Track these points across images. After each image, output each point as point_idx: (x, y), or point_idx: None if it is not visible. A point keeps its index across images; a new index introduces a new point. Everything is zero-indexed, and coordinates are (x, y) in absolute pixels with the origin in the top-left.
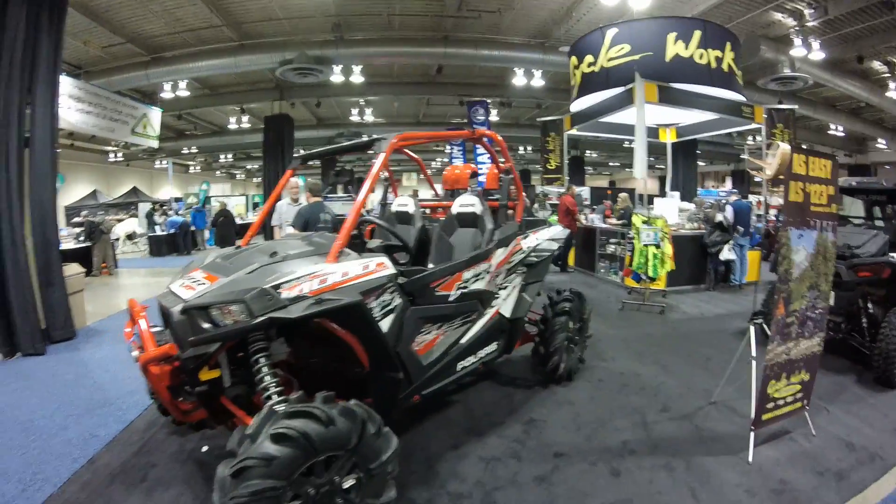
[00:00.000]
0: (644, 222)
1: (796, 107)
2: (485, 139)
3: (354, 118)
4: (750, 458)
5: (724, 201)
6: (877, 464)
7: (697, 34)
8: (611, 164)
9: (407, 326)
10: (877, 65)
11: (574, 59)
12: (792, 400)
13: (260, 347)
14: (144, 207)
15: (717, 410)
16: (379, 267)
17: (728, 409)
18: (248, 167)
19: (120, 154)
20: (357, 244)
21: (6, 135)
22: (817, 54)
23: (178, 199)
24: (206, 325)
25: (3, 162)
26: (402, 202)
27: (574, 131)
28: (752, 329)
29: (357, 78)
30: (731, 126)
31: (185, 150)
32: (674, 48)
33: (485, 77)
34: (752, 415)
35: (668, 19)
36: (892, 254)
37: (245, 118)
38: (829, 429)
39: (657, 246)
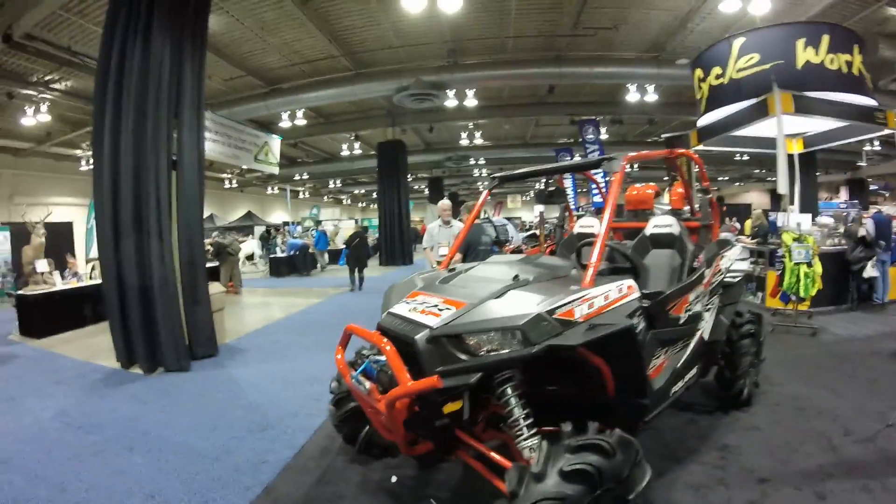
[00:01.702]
0: (795, 240)
1: None
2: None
3: (463, 142)
4: None
5: (862, 215)
6: None
7: (826, 38)
8: (719, 178)
9: (648, 350)
10: None
11: (699, 72)
12: None
13: (508, 377)
14: (258, 230)
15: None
16: (630, 290)
17: None
18: (356, 192)
19: (235, 181)
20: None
21: (156, 155)
22: None
23: (288, 223)
24: (461, 355)
25: (154, 181)
26: (587, 223)
27: (701, 147)
28: None
29: (470, 102)
30: (862, 133)
31: (297, 177)
32: (804, 55)
33: (595, 95)
34: None
35: (794, 25)
36: None
37: (356, 145)
38: None
39: (809, 264)
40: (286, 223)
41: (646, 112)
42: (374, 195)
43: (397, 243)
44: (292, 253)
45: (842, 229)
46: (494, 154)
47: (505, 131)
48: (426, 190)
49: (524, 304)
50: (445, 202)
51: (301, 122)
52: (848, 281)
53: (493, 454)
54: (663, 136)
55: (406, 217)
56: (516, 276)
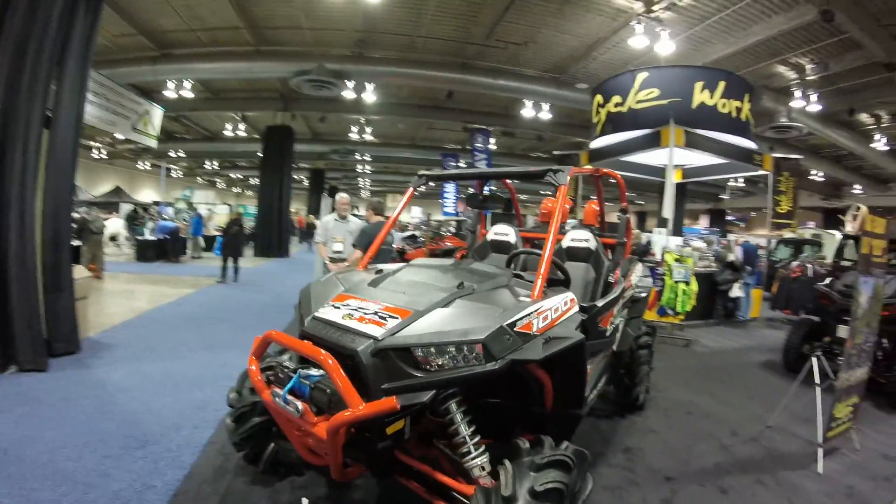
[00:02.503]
0: (676, 260)
1: (801, 157)
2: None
3: (353, 135)
4: (819, 470)
5: (736, 241)
6: None
7: (722, 84)
8: (591, 196)
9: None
10: (864, 117)
11: (600, 98)
12: (846, 420)
13: (452, 392)
14: (125, 209)
15: (776, 433)
16: (573, 303)
17: (784, 431)
18: (232, 176)
19: (104, 151)
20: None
21: (28, 107)
22: (814, 106)
23: (158, 203)
24: (411, 370)
25: (22, 140)
26: (502, 230)
27: (589, 167)
28: (814, 361)
29: (369, 96)
30: (739, 171)
31: (172, 154)
32: (700, 96)
33: (491, 106)
34: (820, 433)
35: (695, 69)
36: None
37: (242, 126)
38: (866, 444)
39: (686, 283)
40: (156, 203)
41: (537, 128)
42: (252, 181)
43: (275, 234)
44: (162, 236)
45: (712, 254)
46: (381, 152)
47: (396, 130)
48: (305, 181)
49: (480, 316)
50: (345, 195)
51: (188, 94)
52: (715, 299)
53: (443, 477)
54: (555, 153)
55: (286, 207)
56: (461, 284)
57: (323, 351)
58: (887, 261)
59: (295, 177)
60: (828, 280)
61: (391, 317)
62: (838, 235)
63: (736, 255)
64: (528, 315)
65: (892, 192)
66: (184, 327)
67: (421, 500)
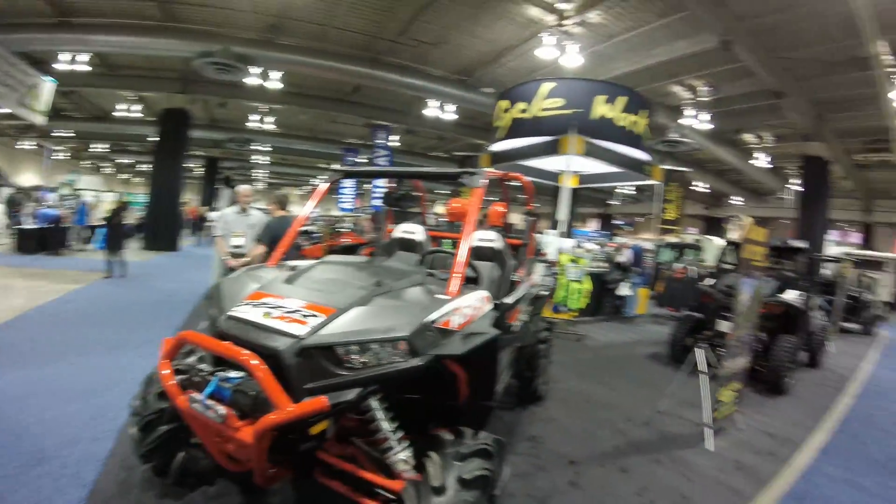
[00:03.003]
0: (571, 260)
1: (689, 170)
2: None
3: (252, 124)
4: (710, 448)
5: (625, 244)
6: (791, 444)
7: (623, 100)
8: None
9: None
10: (748, 137)
11: (505, 103)
12: (730, 403)
13: (374, 389)
14: (4, 192)
15: (666, 417)
16: (487, 300)
17: (674, 415)
18: (120, 161)
19: None
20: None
21: None
22: (703, 124)
23: (40, 188)
24: (336, 369)
25: None
26: (410, 229)
27: (489, 169)
28: (698, 352)
29: (274, 84)
30: (632, 179)
31: (56, 133)
32: (600, 109)
33: (395, 103)
34: (707, 415)
35: (600, 83)
36: (778, 295)
37: (137, 107)
38: (750, 424)
39: (580, 282)
40: (38, 188)
41: (439, 128)
42: (142, 167)
43: (165, 226)
44: (44, 225)
45: (603, 255)
46: (280, 142)
47: (298, 121)
48: (198, 170)
49: (401, 314)
50: (247, 187)
51: (83, 67)
52: (604, 297)
53: (368, 474)
54: (456, 154)
55: (178, 197)
56: (379, 282)
57: (244, 351)
58: (766, 265)
59: (188, 164)
60: (709, 281)
61: (313, 315)
62: (718, 241)
63: (625, 256)
64: (448, 312)
65: (768, 203)
66: (72, 328)
67: (342, 500)
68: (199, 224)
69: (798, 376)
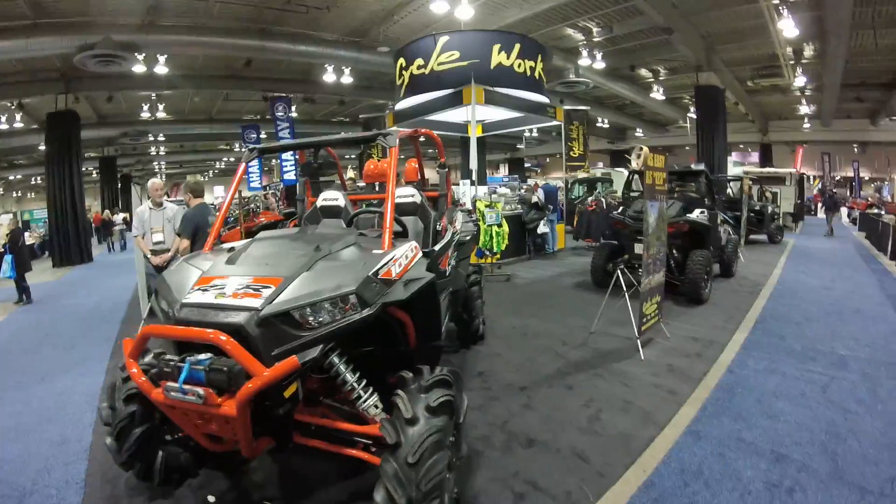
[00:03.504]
0: (487, 206)
1: (588, 108)
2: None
3: (145, 115)
4: (642, 357)
5: (535, 185)
6: (716, 345)
7: (517, 46)
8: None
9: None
10: (644, 72)
11: (402, 61)
12: (654, 315)
13: (332, 346)
14: None
15: (599, 337)
16: (417, 250)
17: (605, 334)
18: (11, 178)
19: None
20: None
21: None
22: (599, 64)
23: None
24: (295, 331)
25: None
26: (332, 195)
27: (395, 128)
28: (619, 274)
29: (161, 69)
30: (535, 122)
31: None
32: (498, 57)
33: (290, 72)
34: (636, 329)
35: (493, 32)
36: (687, 215)
37: (17, 116)
38: (676, 333)
39: (499, 226)
40: None
41: (339, 93)
42: (34, 180)
43: (73, 237)
44: None
45: (516, 197)
46: (176, 129)
47: (192, 105)
48: (94, 172)
49: (345, 272)
50: (157, 181)
51: None
52: (525, 237)
53: (345, 425)
54: (361, 117)
55: (81, 204)
56: (317, 247)
57: (210, 331)
58: (667, 189)
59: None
60: (620, 209)
61: (264, 287)
62: (625, 172)
63: (538, 196)
64: (387, 263)
65: (669, 133)
66: (3, 362)
67: (319, 464)
68: (107, 229)
69: (715, 286)
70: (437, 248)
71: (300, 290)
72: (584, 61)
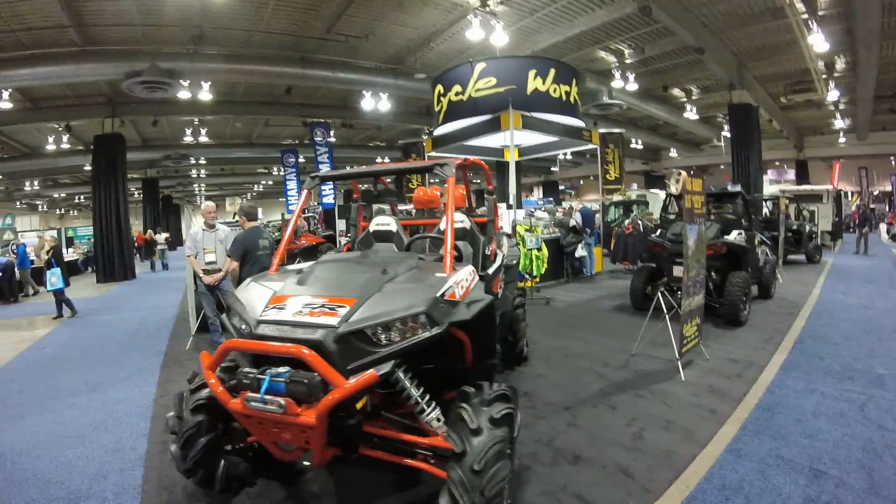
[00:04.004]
0: (527, 230)
1: (623, 131)
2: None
3: (188, 138)
4: (682, 378)
5: (572, 208)
6: (755, 366)
7: (552, 72)
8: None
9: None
10: (677, 92)
11: (440, 88)
12: (693, 337)
13: (399, 363)
14: None
15: (640, 358)
16: (474, 274)
17: (646, 356)
18: (55, 196)
19: None
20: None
21: None
22: (632, 85)
23: None
24: (368, 348)
25: None
26: (384, 221)
27: (434, 153)
28: (660, 296)
29: (205, 95)
30: (572, 146)
31: None
32: (534, 83)
33: (329, 98)
34: (676, 350)
35: (528, 58)
36: (725, 237)
37: (65, 137)
38: (715, 354)
39: (539, 249)
40: None
41: (376, 118)
42: (77, 199)
43: (116, 255)
44: None
45: (554, 221)
46: (216, 153)
47: (233, 130)
48: (136, 193)
49: (414, 293)
50: (211, 203)
51: (5, 105)
52: (563, 261)
53: (409, 436)
54: (400, 142)
55: (126, 223)
56: (384, 270)
57: (293, 345)
58: (705, 211)
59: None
60: (658, 232)
61: (339, 307)
62: (661, 194)
63: (576, 220)
64: (451, 286)
65: (703, 152)
66: (57, 372)
67: (374, 471)
68: (150, 248)
69: (753, 308)
70: (490, 271)
71: (373, 309)
72: (616, 83)
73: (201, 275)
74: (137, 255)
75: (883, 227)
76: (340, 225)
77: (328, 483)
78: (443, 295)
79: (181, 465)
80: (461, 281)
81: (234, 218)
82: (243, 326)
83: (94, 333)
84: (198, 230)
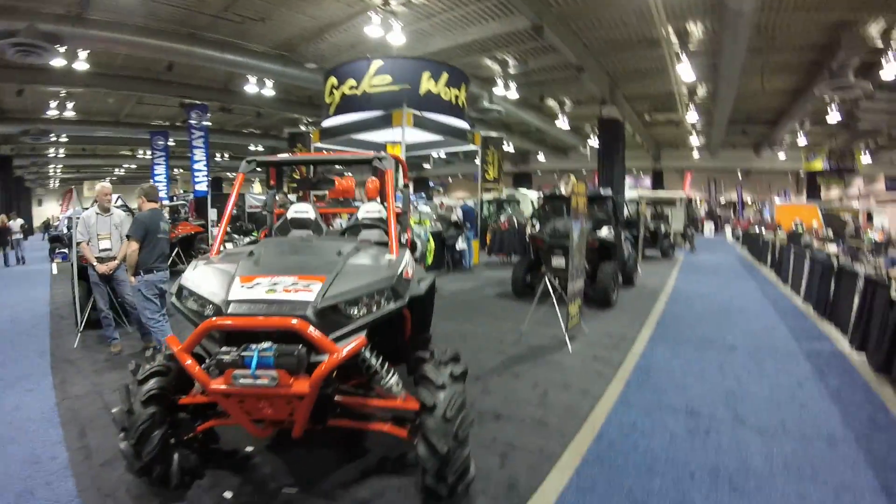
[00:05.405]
0: (416, 223)
1: (503, 135)
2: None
3: (52, 112)
4: (570, 350)
5: (455, 205)
6: (628, 339)
7: (445, 76)
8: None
9: None
10: (552, 102)
11: (334, 80)
12: (576, 315)
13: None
14: None
15: (530, 336)
16: (410, 256)
17: (534, 333)
18: None
19: None
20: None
21: None
22: (513, 94)
23: None
24: (346, 321)
25: None
26: (302, 208)
27: (321, 144)
28: (547, 281)
29: (81, 65)
30: (455, 146)
31: None
32: (426, 84)
33: (209, 80)
34: (564, 325)
35: (423, 60)
36: (598, 232)
37: None
38: (593, 330)
39: (428, 241)
40: None
41: (257, 105)
42: None
43: None
44: None
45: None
46: (81, 131)
47: (102, 106)
48: None
49: (376, 271)
50: (107, 185)
51: None
52: (444, 253)
53: (377, 401)
54: (287, 131)
55: None
56: (339, 252)
57: (283, 319)
58: (585, 211)
59: None
60: (538, 228)
61: (312, 283)
62: (530, 194)
63: (457, 215)
64: (405, 266)
65: (569, 158)
66: None
67: (322, 448)
68: (2, 238)
69: (619, 294)
70: (416, 256)
71: (342, 286)
72: (498, 90)
73: (94, 263)
74: None
75: (728, 229)
76: (212, 214)
77: (278, 463)
78: (401, 273)
79: (135, 464)
80: (407, 261)
81: (92, 204)
82: (208, 308)
83: None
84: (91, 214)
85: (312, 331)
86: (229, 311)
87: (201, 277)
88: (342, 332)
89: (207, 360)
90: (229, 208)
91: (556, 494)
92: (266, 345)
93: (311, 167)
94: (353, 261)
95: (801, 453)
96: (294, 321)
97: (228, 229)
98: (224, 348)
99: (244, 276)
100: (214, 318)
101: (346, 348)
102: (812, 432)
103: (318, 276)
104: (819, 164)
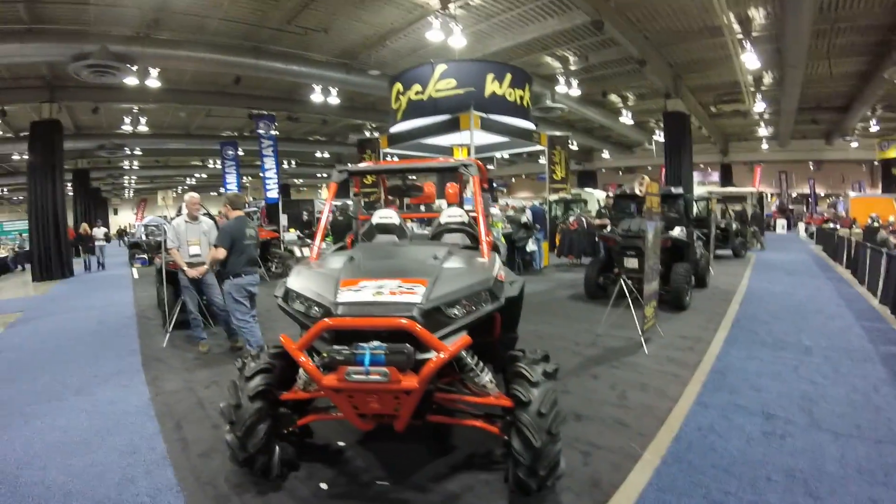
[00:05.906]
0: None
1: (570, 134)
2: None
3: (126, 127)
4: (646, 352)
5: (524, 206)
6: (703, 341)
7: (509, 76)
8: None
9: None
10: (614, 98)
11: (399, 86)
12: (652, 317)
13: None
14: None
15: (605, 339)
16: (499, 260)
17: (610, 335)
18: None
19: None
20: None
21: None
22: (575, 90)
23: None
24: (448, 321)
25: None
26: (387, 215)
27: (389, 150)
28: (622, 282)
29: (153, 82)
30: (521, 147)
31: None
32: (491, 86)
33: (275, 90)
34: (640, 327)
35: (487, 62)
36: (670, 232)
37: None
38: (668, 333)
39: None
40: None
41: (323, 113)
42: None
43: (54, 252)
44: None
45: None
46: (154, 144)
47: (172, 119)
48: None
49: (473, 274)
50: (194, 195)
51: None
52: (514, 254)
53: (474, 398)
54: (355, 139)
55: (63, 217)
56: (434, 256)
57: (395, 319)
58: (659, 210)
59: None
60: (609, 228)
61: (416, 286)
62: (597, 193)
63: (527, 216)
64: (498, 269)
65: (635, 154)
66: (25, 376)
67: (413, 443)
68: (85, 245)
69: (693, 295)
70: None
71: (444, 288)
72: (560, 88)
73: (185, 268)
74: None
75: (801, 225)
76: (283, 220)
77: (369, 457)
78: (496, 275)
79: (239, 455)
80: (498, 265)
81: (178, 213)
82: (313, 309)
83: (52, 334)
84: (180, 222)
85: (420, 329)
86: (339, 312)
87: (307, 281)
88: (444, 331)
89: (316, 358)
90: (326, 215)
91: (638, 492)
92: (376, 343)
93: (404, 175)
94: (449, 264)
95: (874, 457)
96: (404, 321)
97: (301, 234)
98: (335, 347)
99: (348, 279)
100: (329, 319)
101: (454, 347)
102: (887, 436)
103: (420, 280)
104: (894, 152)
